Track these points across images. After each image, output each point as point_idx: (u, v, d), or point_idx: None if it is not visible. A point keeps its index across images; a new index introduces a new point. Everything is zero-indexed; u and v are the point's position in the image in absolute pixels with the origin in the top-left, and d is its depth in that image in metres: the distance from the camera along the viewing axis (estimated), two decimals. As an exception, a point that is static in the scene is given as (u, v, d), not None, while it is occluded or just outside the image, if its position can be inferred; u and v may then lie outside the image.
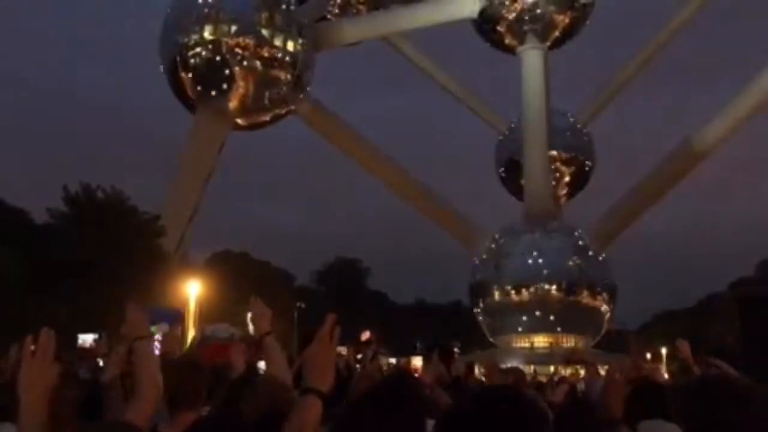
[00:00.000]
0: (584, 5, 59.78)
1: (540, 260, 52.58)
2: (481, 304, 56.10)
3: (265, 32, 49.40)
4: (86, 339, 29.43)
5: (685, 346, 7.72)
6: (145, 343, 4.24)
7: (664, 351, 65.24)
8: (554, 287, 52.62)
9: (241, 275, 61.30)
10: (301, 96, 51.95)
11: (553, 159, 62.17)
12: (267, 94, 50.31)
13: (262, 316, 5.43)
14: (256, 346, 6.31)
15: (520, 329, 54.01)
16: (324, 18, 59.60)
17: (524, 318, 53.19)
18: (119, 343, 6.36)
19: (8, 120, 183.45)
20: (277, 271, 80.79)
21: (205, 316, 39.28)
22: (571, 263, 52.57)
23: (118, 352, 6.83)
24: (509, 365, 17.78)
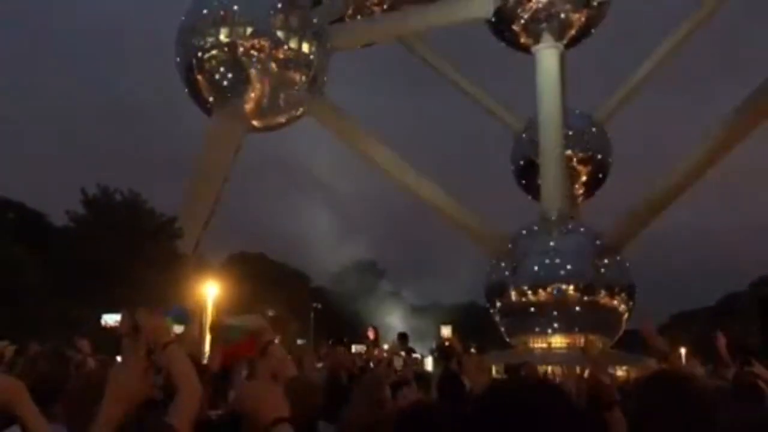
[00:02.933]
0: (600, 3, 59.46)
1: (557, 260, 52.28)
2: (497, 305, 55.89)
3: (280, 34, 49.56)
4: (108, 320, 29.40)
5: (722, 342, 7.14)
6: (175, 347, 4.27)
7: (683, 351, 64.56)
8: (572, 287, 52.31)
9: (258, 276, 61.63)
10: (317, 97, 52.07)
11: (570, 158, 61.84)
12: (282, 95, 50.46)
13: (259, 328, 5.46)
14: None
15: (537, 330, 53.74)
16: (339, 19, 59.69)
17: (541, 318, 52.91)
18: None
19: (26, 124, 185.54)
20: (294, 273, 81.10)
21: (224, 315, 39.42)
22: (588, 263, 52.23)
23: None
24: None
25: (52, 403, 4.42)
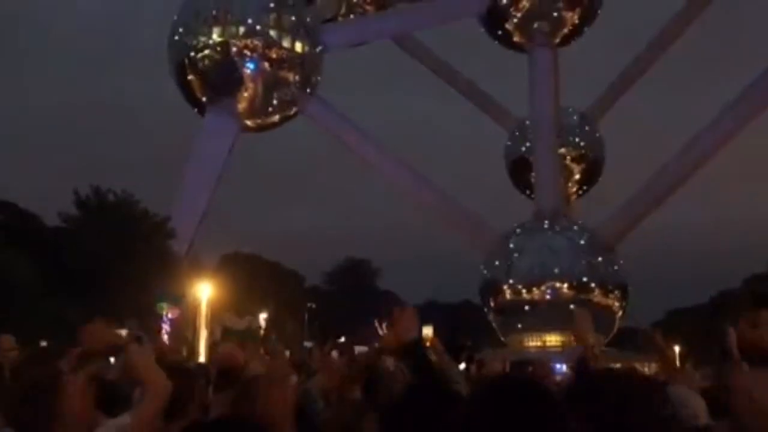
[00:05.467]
0: (592, 2, 59.57)
1: (551, 258, 52.36)
2: (492, 303, 55.93)
3: (273, 33, 49.48)
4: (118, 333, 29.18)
5: (732, 335, 6.48)
6: (133, 346, 4.26)
7: (677, 349, 64.70)
8: (565, 285, 52.39)
9: (252, 276, 61.42)
10: (310, 97, 52.00)
11: (563, 156, 61.97)
12: (275, 95, 50.38)
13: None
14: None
15: (531, 328, 53.81)
16: (332, 18, 59.63)
17: (535, 316, 52.98)
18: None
19: (18, 125, 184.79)
20: (288, 272, 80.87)
21: (217, 318, 39.41)
22: (582, 261, 52.33)
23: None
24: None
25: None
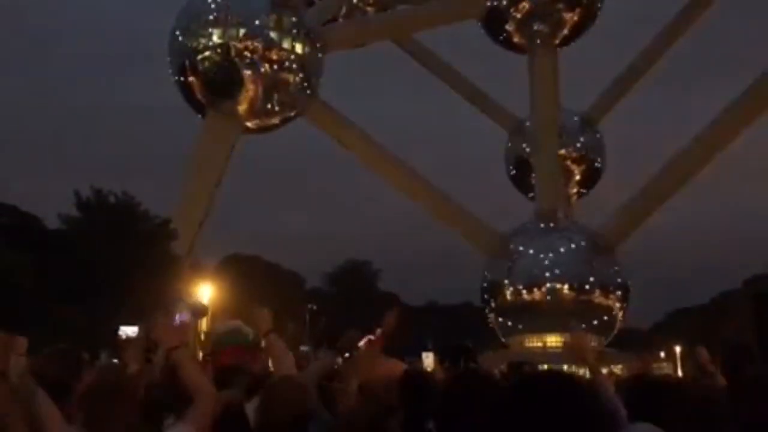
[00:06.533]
0: (593, 2, 59.54)
1: (552, 259, 52.35)
2: (492, 305, 55.90)
3: (273, 35, 49.49)
4: (127, 331, 29.17)
5: (704, 354, 7.67)
6: (181, 352, 4.34)
7: (678, 349, 64.76)
8: (566, 286, 52.36)
9: (253, 278, 61.54)
10: (310, 98, 52.00)
11: (564, 158, 61.95)
12: (276, 97, 50.37)
13: (261, 317, 5.97)
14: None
15: (532, 329, 53.78)
16: (332, 19, 59.64)
17: (536, 318, 52.94)
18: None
19: (18, 126, 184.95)
20: (288, 274, 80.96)
21: (218, 320, 39.38)
22: (583, 262, 52.30)
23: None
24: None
25: (62, 403, 4.42)
